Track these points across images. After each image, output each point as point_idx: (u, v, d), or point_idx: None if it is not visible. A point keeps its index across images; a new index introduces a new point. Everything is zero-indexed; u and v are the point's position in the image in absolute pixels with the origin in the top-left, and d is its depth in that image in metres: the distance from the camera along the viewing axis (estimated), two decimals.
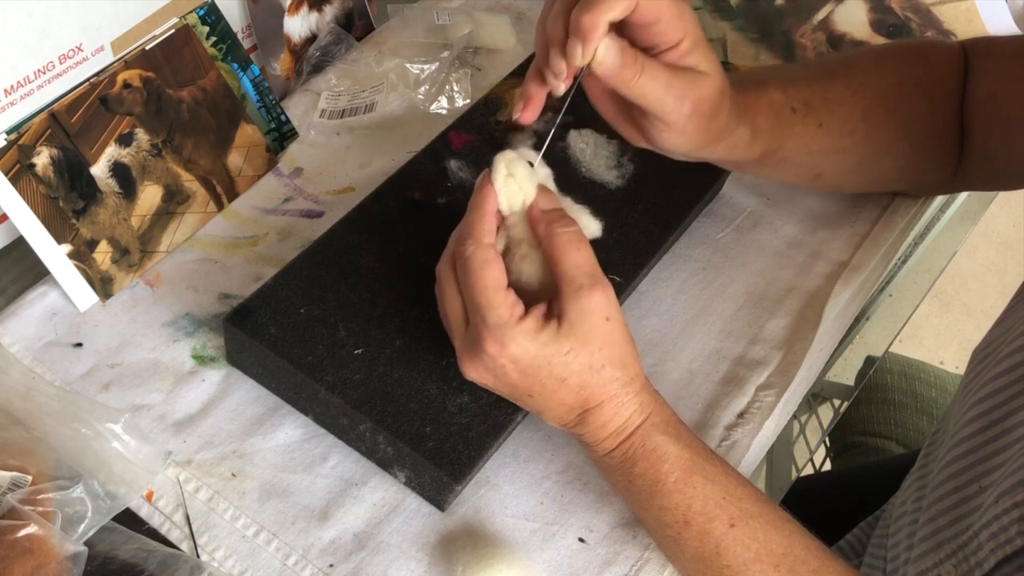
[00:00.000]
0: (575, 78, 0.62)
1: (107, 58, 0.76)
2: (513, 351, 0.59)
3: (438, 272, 0.64)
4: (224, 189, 0.82)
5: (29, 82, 0.72)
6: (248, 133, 0.84)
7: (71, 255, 0.74)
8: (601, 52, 0.58)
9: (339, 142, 0.89)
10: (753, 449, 0.71)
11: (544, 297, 0.61)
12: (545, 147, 0.64)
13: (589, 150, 0.82)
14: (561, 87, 0.61)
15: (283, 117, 0.87)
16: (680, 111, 0.62)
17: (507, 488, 0.68)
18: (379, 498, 0.67)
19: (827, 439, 1.14)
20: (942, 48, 0.79)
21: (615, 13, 0.57)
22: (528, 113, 0.63)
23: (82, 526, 0.61)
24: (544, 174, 0.65)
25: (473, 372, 0.62)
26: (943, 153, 0.79)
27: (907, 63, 0.78)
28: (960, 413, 0.67)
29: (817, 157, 0.75)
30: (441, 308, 0.65)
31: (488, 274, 0.60)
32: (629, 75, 0.60)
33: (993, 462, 0.63)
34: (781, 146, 0.72)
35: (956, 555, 0.63)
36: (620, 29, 0.59)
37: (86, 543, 0.60)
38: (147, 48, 0.77)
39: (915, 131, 0.77)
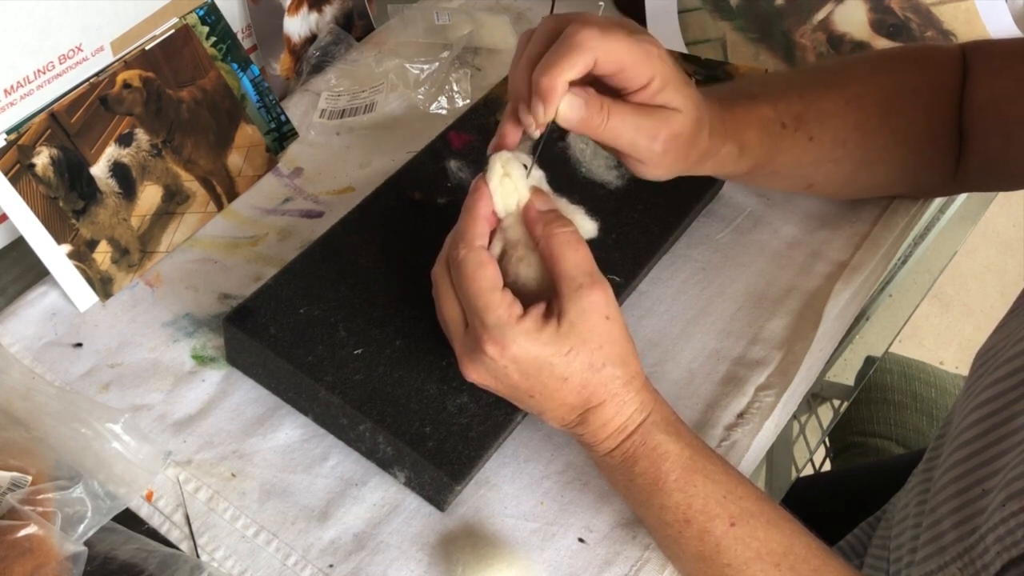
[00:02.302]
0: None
1: (107, 58, 0.76)
2: (514, 352, 0.59)
3: (433, 276, 0.65)
4: (224, 189, 0.82)
5: (29, 82, 0.72)
6: (248, 133, 0.84)
7: (71, 255, 0.74)
8: (564, 109, 0.60)
9: (339, 142, 0.89)
10: (753, 449, 0.71)
11: (542, 298, 0.61)
12: (537, 153, 0.64)
13: (589, 150, 0.82)
14: (535, 133, 0.62)
15: (283, 117, 0.87)
16: (652, 149, 0.63)
17: (507, 488, 0.68)
18: (379, 498, 0.67)
19: (827, 439, 1.14)
20: (941, 52, 0.79)
21: (573, 73, 0.59)
22: (505, 144, 0.64)
23: (82, 526, 0.61)
24: (537, 176, 0.65)
25: (474, 374, 0.62)
26: (942, 156, 0.79)
27: (905, 70, 0.78)
28: (962, 417, 0.67)
29: (808, 168, 0.75)
30: (439, 312, 0.65)
31: (482, 276, 0.60)
32: (596, 123, 0.61)
33: (995, 465, 0.63)
34: (771, 160, 0.72)
35: (962, 558, 0.63)
36: (587, 76, 0.60)
37: (86, 543, 0.60)
38: (147, 48, 0.77)
39: (914, 137, 0.77)
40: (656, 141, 0.63)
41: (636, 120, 0.62)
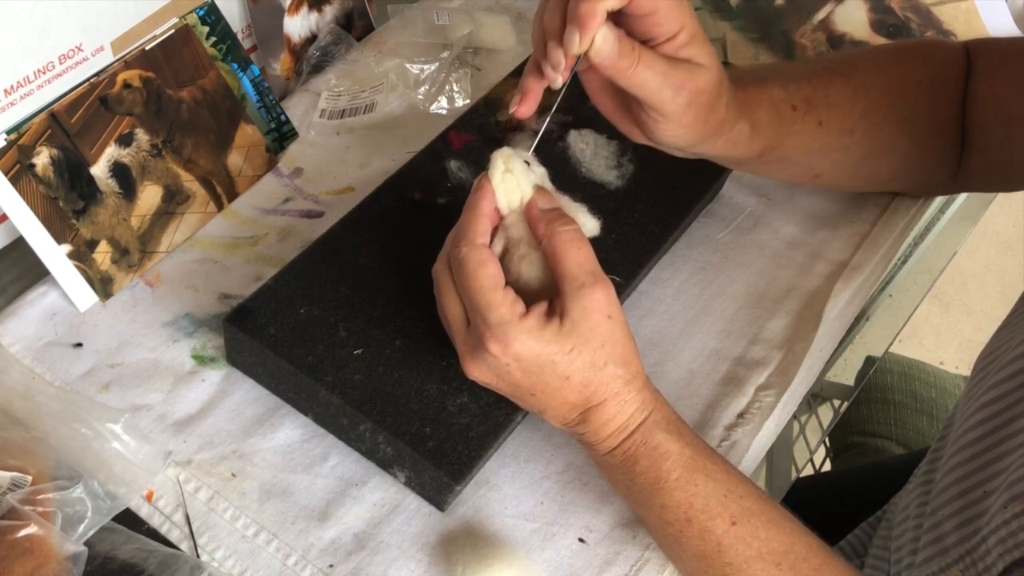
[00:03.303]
0: (573, 73, 0.62)
1: (107, 58, 0.76)
2: (517, 350, 0.59)
3: (434, 274, 0.65)
4: (224, 189, 0.82)
5: (29, 82, 0.72)
6: (248, 133, 0.84)
7: (71, 255, 0.74)
8: (599, 40, 0.58)
9: (339, 142, 0.89)
10: (753, 449, 0.71)
11: (544, 297, 0.61)
12: (536, 142, 0.64)
13: (589, 150, 0.82)
14: (559, 79, 0.61)
15: (283, 117, 0.87)
16: (677, 101, 0.62)
17: (507, 488, 0.68)
18: (379, 498, 0.67)
19: (827, 439, 1.14)
20: (945, 47, 0.79)
21: (613, 2, 0.58)
22: (524, 107, 0.63)
23: (82, 526, 0.61)
24: (540, 172, 0.65)
25: (476, 372, 0.62)
26: (944, 152, 0.79)
27: (910, 62, 0.78)
28: (964, 419, 0.67)
29: (817, 155, 0.75)
30: (440, 310, 0.65)
31: (484, 274, 0.60)
32: (626, 64, 0.60)
33: (997, 467, 0.63)
34: (781, 143, 0.72)
35: (964, 560, 0.63)
36: (617, 20, 0.60)
37: (86, 543, 0.60)
38: (147, 48, 0.77)
39: (917, 130, 0.77)
40: (681, 93, 0.62)
41: (665, 68, 0.61)
